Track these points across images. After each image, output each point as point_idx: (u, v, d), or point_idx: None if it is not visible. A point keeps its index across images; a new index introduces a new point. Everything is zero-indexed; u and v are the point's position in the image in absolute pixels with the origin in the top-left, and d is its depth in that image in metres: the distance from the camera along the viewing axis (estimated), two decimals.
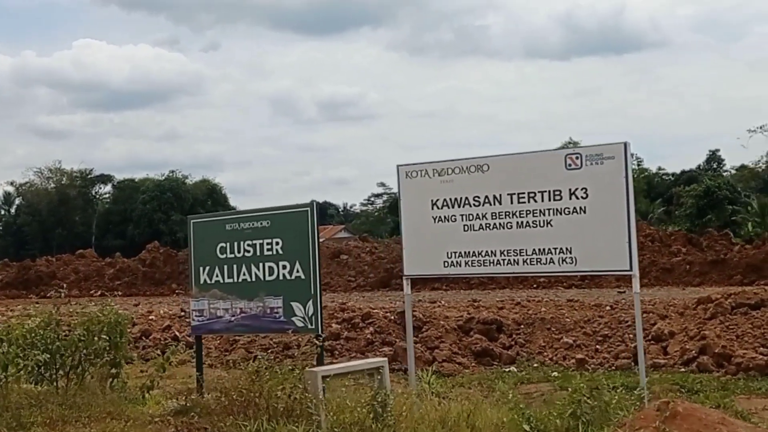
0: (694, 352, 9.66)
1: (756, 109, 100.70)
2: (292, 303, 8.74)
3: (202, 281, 9.44)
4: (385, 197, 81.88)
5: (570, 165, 7.31)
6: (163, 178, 76.53)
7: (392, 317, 12.66)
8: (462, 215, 7.83)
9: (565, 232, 7.28)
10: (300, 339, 10.44)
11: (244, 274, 9.13)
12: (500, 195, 7.62)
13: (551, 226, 7.34)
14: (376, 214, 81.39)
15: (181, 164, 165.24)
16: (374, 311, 13.26)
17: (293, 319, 8.73)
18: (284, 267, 8.84)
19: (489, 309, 12.68)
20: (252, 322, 9.08)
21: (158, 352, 11.95)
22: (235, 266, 9.20)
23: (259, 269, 9.02)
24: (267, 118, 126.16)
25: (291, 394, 6.68)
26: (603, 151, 7.18)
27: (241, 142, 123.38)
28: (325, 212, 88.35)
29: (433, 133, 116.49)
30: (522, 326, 11.50)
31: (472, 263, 7.74)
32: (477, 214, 7.74)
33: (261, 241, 9.03)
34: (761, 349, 9.45)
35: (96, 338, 8.75)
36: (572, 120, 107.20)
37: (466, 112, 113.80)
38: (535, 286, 23.33)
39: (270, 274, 8.94)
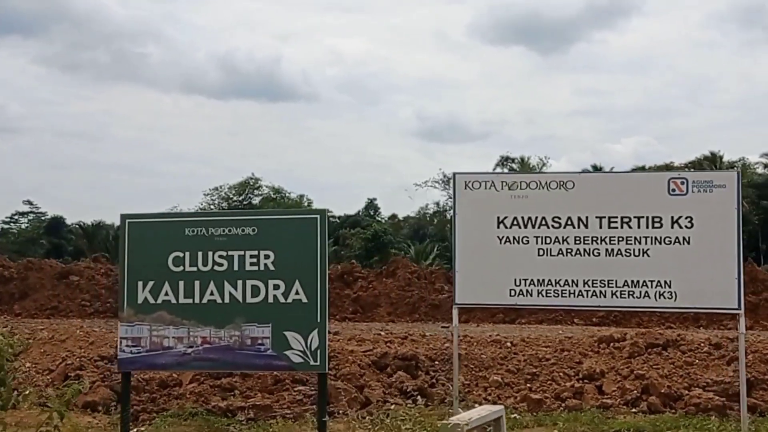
0: (636, 392, 9.59)
1: (387, 166, 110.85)
2: (286, 333, 7.17)
3: (140, 300, 7.41)
4: (31, 216, 75.68)
5: (674, 190, 6.81)
6: None
7: None
8: (537, 237, 6.96)
9: (665, 263, 6.73)
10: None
11: (211, 294, 7.32)
12: (586, 217, 6.88)
13: (648, 255, 6.76)
14: (28, 233, 74.46)
15: None
16: None
17: (287, 353, 7.16)
18: (276, 287, 7.24)
19: (391, 343, 11.62)
20: (221, 356, 7.28)
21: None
22: (197, 283, 7.35)
23: (235, 288, 7.30)
24: None
25: None
26: (713, 178, 6.80)
27: None
28: None
29: (83, 153, 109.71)
30: (437, 362, 10.64)
31: (547, 293, 6.88)
32: (556, 237, 6.92)
33: (241, 253, 7.34)
34: (699, 389, 9.62)
35: None
36: (228, 156, 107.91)
37: (119, 136, 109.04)
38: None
39: (254, 295, 7.26)
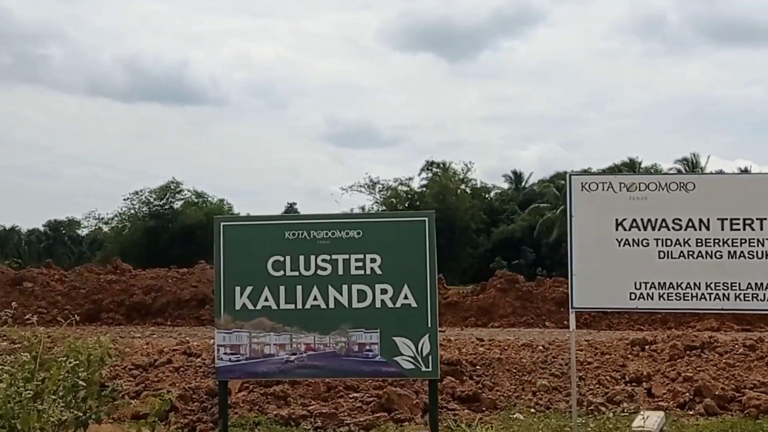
0: (687, 394, 9.78)
1: (297, 170, 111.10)
2: (395, 338, 7.05)
3: (238, 306, 7.19)
4: None
5: None
6: None
7: None
8: (657, 239, 6.99)
9: None
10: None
11: (314, 299, 7.15)
12: (708, 219, 6.95)
13: None
14: None
15: None
16: None
17: (397, 359, 7.06)
18: (384, 291, 7.12)
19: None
20: (326, 363, 7.13)
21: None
22: (299, 288, 7.17)
23: (341, 293, 7.15)
24: None
25: None
26: None
27: None
28: None
29: None
30: (478, 367, 10.63)
31: (668, 296, 6.92)
32: (677, 240, 6.97)
33: (346, 257, 7.19)
34: (747, 390, 9.86)
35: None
36: (132, 160, 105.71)
37: (21, 138, 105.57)
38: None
39: (360, 300, 7.12)
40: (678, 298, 6.95)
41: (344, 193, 70.13)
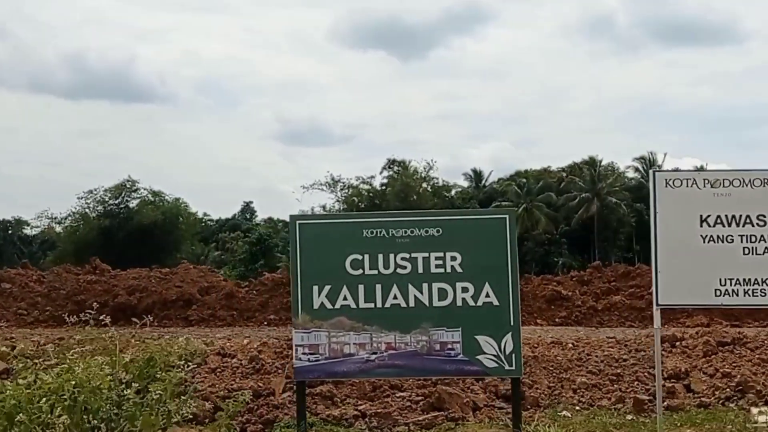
0: (728, 390, 9.94)
1: (248, 169, 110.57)
2: (477, 337, 7.08)
3: (316, 305, 7.15)
4: None
5: None
6: None
7: None
8: (742, 236, 7.10)
9: None
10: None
11: (395, 298, 7.15)
12: None
13: None
14: None
15: None
16: None
17: (480, 358, 7.10)
18: (465, 290, 7.15)
19: None
20: (408, 362, 7.14)
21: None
22: (379, 286, 7.15)
23: (421, 291, 7.15)
24: None
25: None
26: None
27: None
28: None
29: None
30: None
31: (753, 292, 7.04)
32: (762, 236, 7.09)
33: (426, 255, 7.19)
34: None
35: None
36: (77, 159, 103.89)
37: None
38: None
39: (441, 299, 7.13)
40: (763, 294, 7.06)
41: (305, 192, 69.86)
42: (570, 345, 11.90)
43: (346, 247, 7.21)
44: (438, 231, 7.22)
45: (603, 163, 72.40)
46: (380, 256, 7.18)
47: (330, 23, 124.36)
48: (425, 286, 7.13)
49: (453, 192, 72.67)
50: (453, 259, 7.15)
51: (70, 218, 71.51)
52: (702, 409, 9.37)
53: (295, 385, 7.34)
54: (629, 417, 9.35)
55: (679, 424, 8.45)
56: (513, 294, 7.11)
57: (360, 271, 7.17)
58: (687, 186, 7.17)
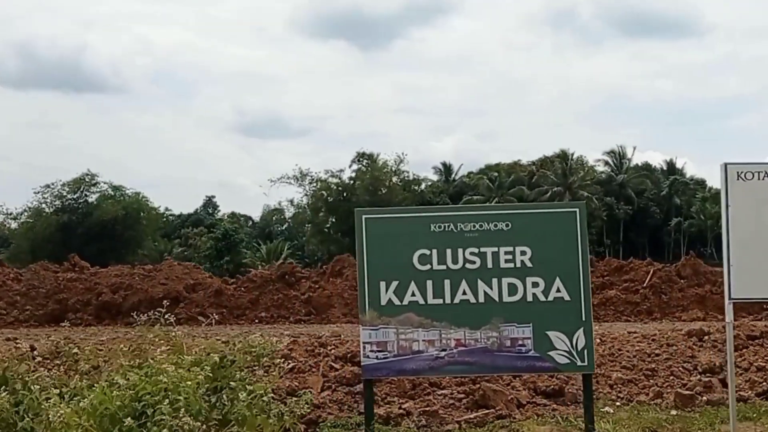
0: (765, 384, 10.06)
1: (204, 161, 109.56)
2: (548, 333, 7.06)
3: (383, 302, 7.09)
4: None
5: None
6: None
7: None
8: None
9: None
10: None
11: (464, 294, 7.11)
12: None
13: None
14: None
15: None
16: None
17: (551, 354, 7.08)
18: (535, 285, 7.12)
19: None
20: (478, 359, 7.11)
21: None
22: (448, 282, 7.11)
23: (491, 287, 7.11)
24: None
25: None
26: None
27: None
28: None
29: None
30: None
31: None
32: None
33: (495, 249, 7.15)
34: None
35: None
36: (28, 151, 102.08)
37: None
38: None
39: (511, 294, 7.10)
40: None
41: (273, 185, 69.57)
42: (597, 340, 11.95)
43: (414, 242, 7.15)
44: (507, 225, 7.18)
45: (573, 156, 73.23)
46: (448, 251, 7.13)
47: (289, 12, 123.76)
48: (495, 281, 7.09)
49: (423, 186, 72.84)
50: (523, 253, 7.12)
51: (25, 213, 70.40)
52: (741, 404, 9.48)
53: (363, 382, 7.25)
54: (673, 412, 9.42)
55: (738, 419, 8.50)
56: (584, 289, 7.09)
57: (428, 267, 7.12)
58: (759, 179, 7.18)
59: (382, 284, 7.10)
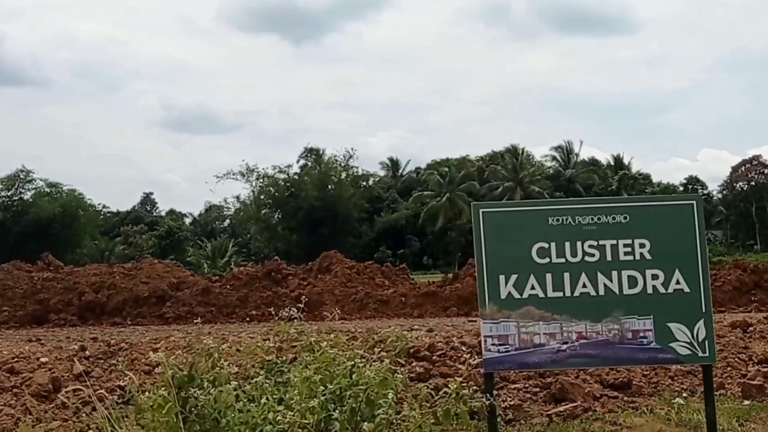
0: None
1: (130, 158, 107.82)
2: (669, 324, 7.16)
3: (503, 295, 7.11)
4: None
5: None
6: None
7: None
8: None
9: None
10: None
11: (584, 286, 7.16)
12: None
13: None
14: None
15: None
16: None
17: (672, 345, 7.16)
18: (655, 277, 7.20)
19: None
20: (600, 352, 7.14)
21: None
22: (567, 275, 7.15)
23: (610, 279, 7.17)
24: None
25: None
26: None
27: None
28: None
29: None
30: None
31: None
32: None
33: (613, 242, 7.22)
34: None
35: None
36: None
37: None
38: None
39: (631, 286, 7.18)
40: None
41: (218, 181, 68.86)
42: None
43: (532, 235, 7.17)
44: (625, 218, 7.24)
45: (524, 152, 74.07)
46: (567, 244, 7.16)
47: (219, 5, 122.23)
48: (614, 273, 7.15)
49: (371, 181, 72.90)
50: (642, 246, 7.19)
51: None
52: None
53: (484, 376, 7.25)
54: (746, 402, 9.63)
55: None
56: (704, 280, 7.19)
57: (547, 260, 7.14)
58: None
59: (502, 278, 7.10)
